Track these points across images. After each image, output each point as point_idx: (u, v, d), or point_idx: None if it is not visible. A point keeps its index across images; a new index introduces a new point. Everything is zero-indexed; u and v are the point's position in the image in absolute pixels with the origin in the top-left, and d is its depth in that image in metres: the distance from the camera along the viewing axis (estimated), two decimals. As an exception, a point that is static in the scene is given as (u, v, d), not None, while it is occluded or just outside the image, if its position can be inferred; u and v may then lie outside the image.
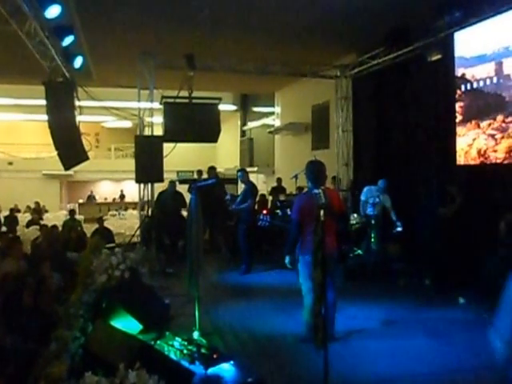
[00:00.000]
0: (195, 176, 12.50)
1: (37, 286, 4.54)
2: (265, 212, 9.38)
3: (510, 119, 6.64)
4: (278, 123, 15.84)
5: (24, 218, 15.49)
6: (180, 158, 15.34)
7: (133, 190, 15.95)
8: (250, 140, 19.08)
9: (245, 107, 19.89)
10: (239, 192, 17.99)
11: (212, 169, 10.68)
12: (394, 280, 7.47)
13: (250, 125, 19.36)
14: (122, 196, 25.34)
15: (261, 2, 7.70)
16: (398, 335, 5.12)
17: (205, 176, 11.20)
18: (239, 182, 9.60)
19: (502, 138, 6.77)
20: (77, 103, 8.60)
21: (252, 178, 11.47)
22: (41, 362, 3.34)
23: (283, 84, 14.27)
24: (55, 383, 2.95)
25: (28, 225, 13.47)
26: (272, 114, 16.63)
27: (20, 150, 24.15)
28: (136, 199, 10.43)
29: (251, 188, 8.71)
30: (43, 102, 8.01)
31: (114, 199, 25.44)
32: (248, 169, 17.94)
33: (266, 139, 17.13)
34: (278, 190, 12.11)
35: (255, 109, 18.86)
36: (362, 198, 8.39)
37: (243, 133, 20.09)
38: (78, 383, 2.89)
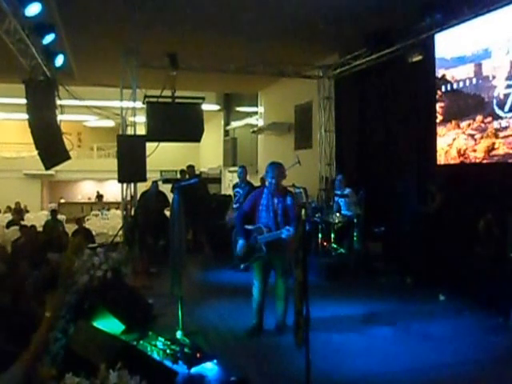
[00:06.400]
0: (178, 176, 12.47)
1: (16, 286, 4.49)
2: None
3: (488, 119, 6.77)
4: (261, 123, 15.85)
5: (4, 218, 15.28)
6: (163, 157, 15.29)
7: (115, 190, 15.85)
8: (233, 140, 19.05)
9: (228, 107, 19.85)
10: (222, 191, 18.10)
11: (190, 167, 10.67)
12: (375, 278, 7.55)
13: (234, 124, 19.34)
14: (100, 196, 25.05)
15: (243, 2, 7.71)
16: (379, 332, 5.18)
17: (187, 176, 11.16)
18: (223, 181, 9.61)
19: (481, 137, 6.89)
20: (58, 102, 8.52)
21: (235, 177, 11.47)
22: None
23: (266, 84, 14.29)
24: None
25: (8, 225, 13.27)
26: (255, 113, 16.64)
27: (0, 149, 23.81)
28: (119, 199, 10.35)
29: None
30: (24, 100, 7.92)
31: (95, 199, 25.23)
32: (231, 168, 18.02)
33: (250, 139, 17.13)
34: (261, 189, 12.11)
35: (238, 108, 18.84)
36: (336, 199, 8.67)
37: (226, 132, 20.05)
38: (59, 384, 2.86)
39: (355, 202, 8.29)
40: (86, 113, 14.71)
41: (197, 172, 12.67)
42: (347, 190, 8.36)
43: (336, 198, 8.67)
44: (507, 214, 6.00)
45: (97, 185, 26.20)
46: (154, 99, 9.21)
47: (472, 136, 7.05)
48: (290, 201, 5.05)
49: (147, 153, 8.90)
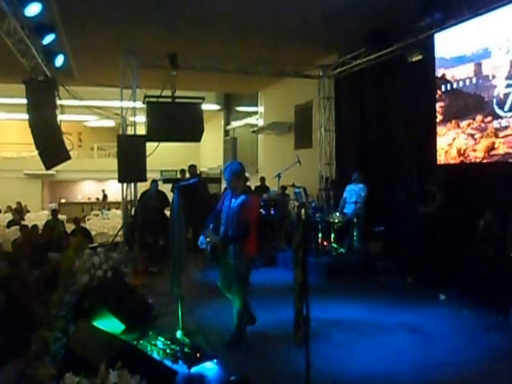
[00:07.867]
0: (178, 175, 12.47)
1: (16, 286, 4.50)
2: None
3: (488, 119, 6.77)
4: (261, 123, 15.87)
5: (5, 218, 15.30)
6: (163, 157, 15.27)
7: (116, 190, 15.84)
8: (233, 139, 19.06)
9: (228, 107, 19.86)
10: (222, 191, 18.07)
11: (192, 167, 10.68)
12: (375, 278, 7.55)
13: (234, 124, 19.36)
14: (105, 196, 25.12)
15: (243, 2, 7.71)
16: (379, 332, 5.18)
17: (187, 175, 11.17)
18: (223, 180, 9.59)
19: (481, 137, 6.89)
20: (58, 102, 8.53)
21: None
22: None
23: (266, 84, 14.30)
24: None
25: (9, 225, 13.29)
26: (255, 113, 16.65)
27: (1, 149, 23.82)
28: (119, 199, 10.36)
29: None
30: (24, 100, 7.92)
31: (97, 199, 25.24)
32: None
33: (250, 139, 17.14)
34: (261, 189, 12.12)
35: (238, 108, 18.85)
36: (344, 195, 8.66)
37: (227, 132, 20.07)
38: (59, 384, 2.87)
39: (363, 200, 8.33)
40: (86, 113, 14.72)
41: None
42: (361, 185, 8.43)
43: (348, 189, 8.68)
44: (507, 213, 6.01)
45: (97, 185, 26.21)
46: (154, 99, 9.22)
47: (472, 135, 7.05)
48: (237, 203, 4.66)
49: (147, 153, 8.90)
